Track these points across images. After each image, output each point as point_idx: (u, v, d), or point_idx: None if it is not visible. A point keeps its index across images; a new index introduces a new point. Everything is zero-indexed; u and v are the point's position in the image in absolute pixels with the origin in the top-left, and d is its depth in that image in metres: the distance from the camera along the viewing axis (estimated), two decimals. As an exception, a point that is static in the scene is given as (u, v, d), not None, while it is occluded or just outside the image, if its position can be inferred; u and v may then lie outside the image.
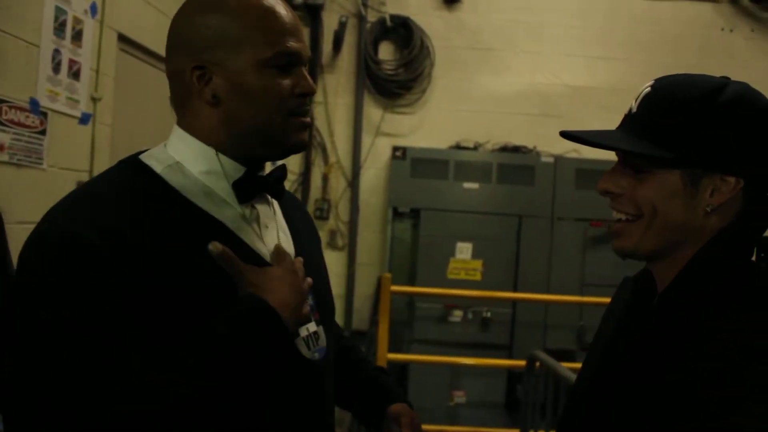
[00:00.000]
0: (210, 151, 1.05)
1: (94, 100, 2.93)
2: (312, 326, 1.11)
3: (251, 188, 1.08)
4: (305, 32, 5.01)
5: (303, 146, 1.09)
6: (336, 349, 1.30)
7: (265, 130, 1.04)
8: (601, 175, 1.01)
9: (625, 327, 1.04)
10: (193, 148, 1.05)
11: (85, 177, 2.89)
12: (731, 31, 5.12)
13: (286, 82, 1.03)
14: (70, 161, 2.81)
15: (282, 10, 1.04)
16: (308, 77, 1.06)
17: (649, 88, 0.99)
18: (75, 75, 2.80)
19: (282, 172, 1.13)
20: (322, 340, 1.13)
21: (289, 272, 1.03)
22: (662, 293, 0.98)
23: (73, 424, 0.84)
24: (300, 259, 1.09)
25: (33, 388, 0.86)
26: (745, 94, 0.95)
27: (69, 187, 2.80)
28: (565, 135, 1.00)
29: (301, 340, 1.08)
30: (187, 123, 1.07)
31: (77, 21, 2.78)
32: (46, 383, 0.85)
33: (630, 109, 1.00)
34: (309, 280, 1.07)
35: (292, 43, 1.03)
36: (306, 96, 1.05)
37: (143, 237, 0.94)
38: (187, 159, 1.05)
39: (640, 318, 1.01)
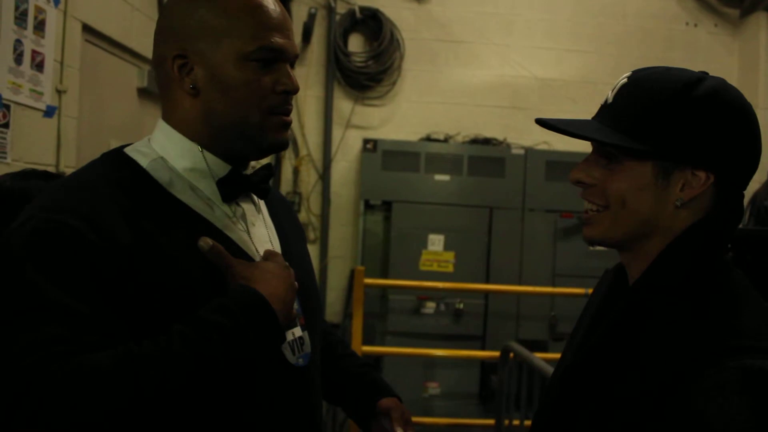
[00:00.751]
0: (195, 148, 1.03)
1: (59, 92, 2.86)
2: (297, 331, 1.09)
3: (236, 187, 1.06)
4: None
5: (284, 145, 1.07)
6: (322, 351, 1.28)
7: (242, 126, 1.02)
8: (571, 167, 1.01)
9: (599, 319, 1.04)
10: (177, 144, 1.04)
11: (51, 171, 2.82)
12: (695, 25, 5.20)
13: (268, 78, 1.01)
14: (36, 155, 2.74)
15: (270, 4, 1.02)
16: (292, 74, 1.04)
17: (625, 79, 0.99)
18: (38, 66, 2.72)
19: (267, 171, 1.11)
20: (307, 346, 1.10)
21: (281, 267, 1.01)
22: (632, 286, 0.99)
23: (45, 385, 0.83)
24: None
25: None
26: (720, 89, 0.95)
27: (34, 181, 2.73)
28: (541, 123, 0.99)
29: (287, 345, 1.06)
30: (169, 114, 1.05)
31: (39, 10, 2.71)
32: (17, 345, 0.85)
33: (606, 100, 1.00)
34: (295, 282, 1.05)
35: (277, 39, 1.01)
36: (288, 94, 1.03)
37: (130, 232, 0.93)
38: (170, 155, 1.03)
39: (612, 310, 1.00)
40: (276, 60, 1.02)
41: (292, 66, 1.06)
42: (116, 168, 1.02)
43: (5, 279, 0.89)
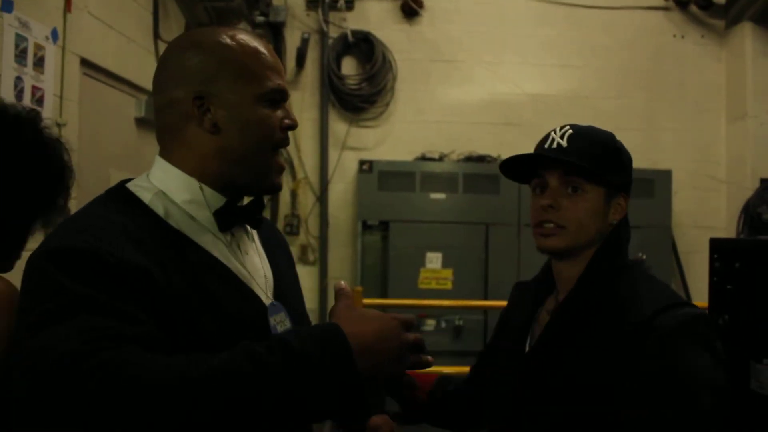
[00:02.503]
0: (193, 182, 1.10)
1: (59, 125, 2.92)
2: (286, 322, 1.15)
3: (231, 218, 1.12)
4: (268, 50, 5.06)
5: (278, 189, 1.17)
6: None
7: (254, 160, 1.10)
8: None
9: (531, 318, 1.40)
10: (176, 179, 1.10)
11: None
12: (683, 37, 5.29)
13: (276, 115, 1.11)
14: (37, 188, 2.79)
15: (269, 51, 1.13)
16: (292, 112, 1.15)
17: (570, 130, 1.33)
18: (38, 101, 2.78)
19: (260, 202, 1.19)
20: None
21: (387, 319, 1.02)
22: (575, 286, 1.31)
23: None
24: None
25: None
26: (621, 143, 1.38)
27: (36, 213, 2.78)
28: (527, 156, 1.33)
29: None
30: (174, 153, 1.11)
31: (39, 47, 2.77)
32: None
33: (559, 145, 1.32)
34: (413, 336, 1.05)
35: (281, 82, 1.12)
36: (290, 129, 1.14)
37: (139, 255, 0.97)
38: (170, 188, 1.10)
39: (563, 308, 1.32)
40: (280, 100, 1.13)
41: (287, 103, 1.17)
42: (121, 203, 1.08)
43: (29, 282, 0.93)
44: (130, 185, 1.12)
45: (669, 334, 1.18)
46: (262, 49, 1.12)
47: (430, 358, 1.07)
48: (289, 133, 1.15)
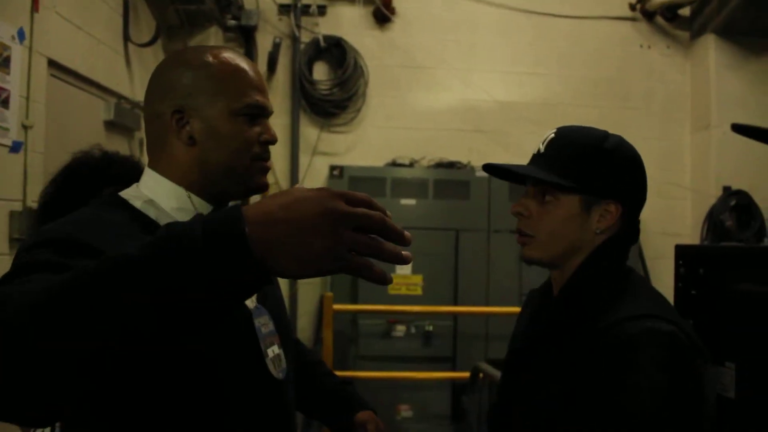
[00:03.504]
0: (181, 190, 1.16)
1: (25, 127, 2.87)
2: (276, 349, 1.20)
3: None
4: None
5: (264, 188, 1.21)
6: (302, 369, 1.45)
7: (233, 170, 1.16)
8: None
9: (536, 322, 1.34)
10: (165, 187, 1.16)
11: (18, 206, 2.82)
12: (649, 47, 5.40)
13: (254, 130, 1.17)
14: (2, 191, 2.74)
15: (251, 69, 1.19)
16: (271, 128, 1.20)
17: (553, 134, 1.28)
18: (4, 103, 2.74)
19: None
20: (284, 362, 1.22)
21: (309, 189, 0.75)
22: (560, 290, 1.28)
23: None
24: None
25: None
26: (621, 143, 1.29)
27: (1, 217, 2.73)
28: (488, 169, 1.30)
29: (270, 361, 1.17)
30: (161, 163, 1.18)
31: (4, 47, 2.73)
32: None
33: (539, 150, 1.28)
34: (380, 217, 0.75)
35: (259, 98, 1.17)
36: (269, 143, 1.19)
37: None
38: (159, 196, 1.16)
39: (545, 312, 1.32)
40: (259, 115, 1.18)
41: (268, 120, 1.22)
42: (113, 206, 1.13)
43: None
44: (121, 193, 1.17)
45: (618, 345, 1.11)
46: (243, 66, 1.18)
47: (406, 253, 0.75)
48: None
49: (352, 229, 0.72)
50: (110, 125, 3.80)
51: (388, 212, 0.75)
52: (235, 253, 0.69)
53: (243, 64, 1.18)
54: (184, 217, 1.13)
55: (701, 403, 1.11)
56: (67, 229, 1.00)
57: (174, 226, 0.72)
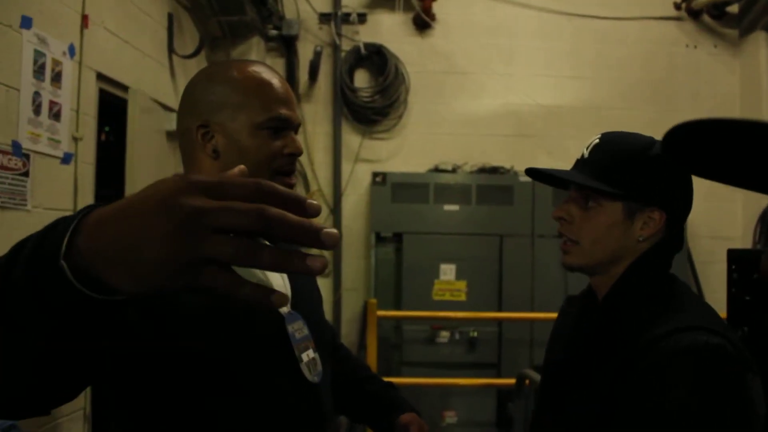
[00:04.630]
0: None
1: (76, 139, 2.95)
2: (311, 353, 1.21)
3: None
4: (281, 63, 5.10)
5: None
6: (346, 374, 1.49)
7: None
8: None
9: (578, 332, 1.30)
10: None
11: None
12: (695, 47, 5.28)
13: (277, 143, 1.18)
14: (54, 201, 2.82)
15: (277, 82, 1.20)
16: (297, 140, 1.20)
17: (597, 140, 1.26)
18: (56, 116, 2.82)
19: None
20: (319, 365, 1.23)
21: (164, 181, 0.57)
22: (604, 298, 1.24)
23: None
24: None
25: None
26: None
27: (53, 227, 2.80)
28: (531, 173, 1.29)
29: (304, 366, 1.18)
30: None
31: (56, 63, 2.81)
32: None
33: (582, 155, 1.27)
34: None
35: (284, 111, 1.18)
36: (294, 156, 1.20)
37: None
38: None
39: (588, 322, 1.28)
40: (283, 128, 1.19)
41: (296, 133, 1.23)
42: None
43: None
44: None
45: (666, 359, 1.05)
46: (268, 79, 1.19)
47: (321, 258, 0.54)
48: (303, 145, 1.20)
49: (217, 230, 0.53)
50: (172, 135, 3.88)
51: (311, 201, 0.56)
52: (50, 275, 0.59)
53: (268, 77, 1.19)
54: None
55: (751, 418, 1.04)
56: None
57: (37, 235, 0.63)
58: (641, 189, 1.20)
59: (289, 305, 1.20)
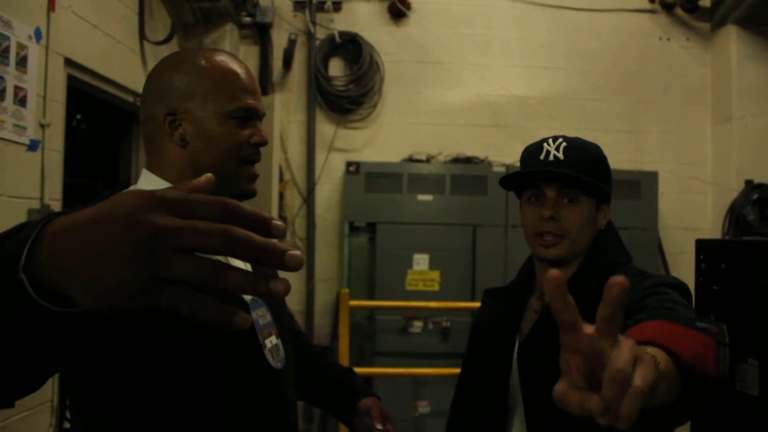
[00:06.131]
0: None
1: (43, 126, 2.89)
2: (273, 339, 1.24)
3: None
4: (254, 51, 5.04)
5: (252, 195, 1.24)
6: (307, 361, 1.53)
7: (221, 174, 1.17)
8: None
9: (516, 320, 1.48)
10: (160, 187, 1.14)
11: (36, 204, 2.84)
12: (668, 40, 5.32)
13: (245, 132, 1.20)
14: (20, 189, 2.76)
15: (244, 72, 1.22)
16: (262, 130, 1.23)
17: (564, 143, 1.40)
18: (21, 101, 2.75)
19: None
20: (282, 352, 1.26)
21: (125, 197, 0.57)
22: (570, 279, 1.39)
23: None
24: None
25: None
26: None
27: (19, 215, 2.75)
28: (506, 179, 1.46)
29: (268, 352, 1.21)
30: (156, 163, 1.21)
31: (21, 47, 2.74)
32: None
33: (556, 157, 1.39)
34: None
35: (251, 101, 1.20)
36: (259, 145, 1.22)
37: None
38: None
39: (539, 305, 1.45)
40: (250, 118, 1.21)
41: (260, 122, 1.25)
42: None
43: None
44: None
45: (647, 286, 1.26)
46: (236, 69, 1.21)
47: (282, 279, 0.56)
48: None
49: (181, 249, 0.53)
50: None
51: (277, 222, 0.56)
52: (8, 285, 0.58)
53: (235, 67, 1.21)
54: None
55: None
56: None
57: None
58: (606, 186, 1.41)
59: None
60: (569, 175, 1.35)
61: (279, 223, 0.55)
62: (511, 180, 1.46)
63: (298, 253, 0.55)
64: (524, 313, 1.49)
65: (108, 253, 0.53)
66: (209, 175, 0.63)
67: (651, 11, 5.30)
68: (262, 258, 0.53)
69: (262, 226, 0.55)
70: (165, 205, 0.54)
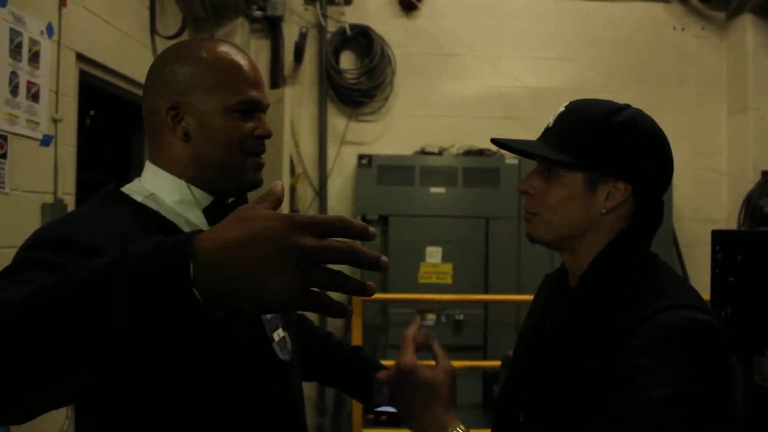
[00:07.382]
0: (181, 183, 1.18)
1: (55, 121, 2.90)
2: (281, 332, 1.24)
3: (220, 214, 1.16)
4: (265, 45, 5.04)
5: (258, 184, 1.22)
6: (307, 342, 1.52)
7: (225, 165, 1.17)
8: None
9: (547, 311, 1.26)
10: (166, 181, 1.18)
11: (49, 199, 2.86)
12: (683, 29, 5.26)
13: (248, 125, 1.18)
14: (34, 184, 2.77)
15: (247, 63, 1.20)
16: (266, 122, 1.21)
17: (563, 108, 1.21)
18: (34, 97, 2.77)
19: (244, 199, 1.27)
20: (289, 343, 1.26)
21: (269, 218, 0.68)
22: (576, 284, 1.18)
23: None
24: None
25: None
26: (636, 117, 1.17)
27: (33, 209, 2.76)
28: (496, 142, 1.21)
29: (276, 345, 1.21)
30: (159, 157, 1.20)
31: (33, 42, 2.75)
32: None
33: (548, 124, 1.22)
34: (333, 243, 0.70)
35: (254, 93, 1.19)
36: (263, 137, 1.20)
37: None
38: (161, 190, 1.18)
39: (559, 304, 1.23)
40: (254, 110, 1.19)
41: (264, 114, 1.23)
42: (114, 200, 1.15)
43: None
44: (123, 188, 1.20)
45: (646, 341, 1.00)
46: (239, 61, 1.19)
47: (370, 284, 0.70)
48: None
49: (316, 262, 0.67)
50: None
51: (371, 229, 0.71)
52: (177, 294, 0.66)
53: (238, 59, 1.19)
54: (186, 209, 1.17)
55: (733, 403, 0.99)
56: (60, 228, 1.02)
57: (130, 249, 0.69)
58: (603, 158, 1.13)
59: None
60: (521, 150, 1.17)
61: (372, 229, 0.71)
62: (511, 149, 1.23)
63: (386, 258, 0.71)
64: (556, 302, 1.28)
65: (270, 270, 0.66)
66: (281, 182, 0.77)
67: (665, 1, 5.24)
68: (369, 264, 0.70)
69: (364, 233, 0.70)
70: (306, 228, 0.67)
